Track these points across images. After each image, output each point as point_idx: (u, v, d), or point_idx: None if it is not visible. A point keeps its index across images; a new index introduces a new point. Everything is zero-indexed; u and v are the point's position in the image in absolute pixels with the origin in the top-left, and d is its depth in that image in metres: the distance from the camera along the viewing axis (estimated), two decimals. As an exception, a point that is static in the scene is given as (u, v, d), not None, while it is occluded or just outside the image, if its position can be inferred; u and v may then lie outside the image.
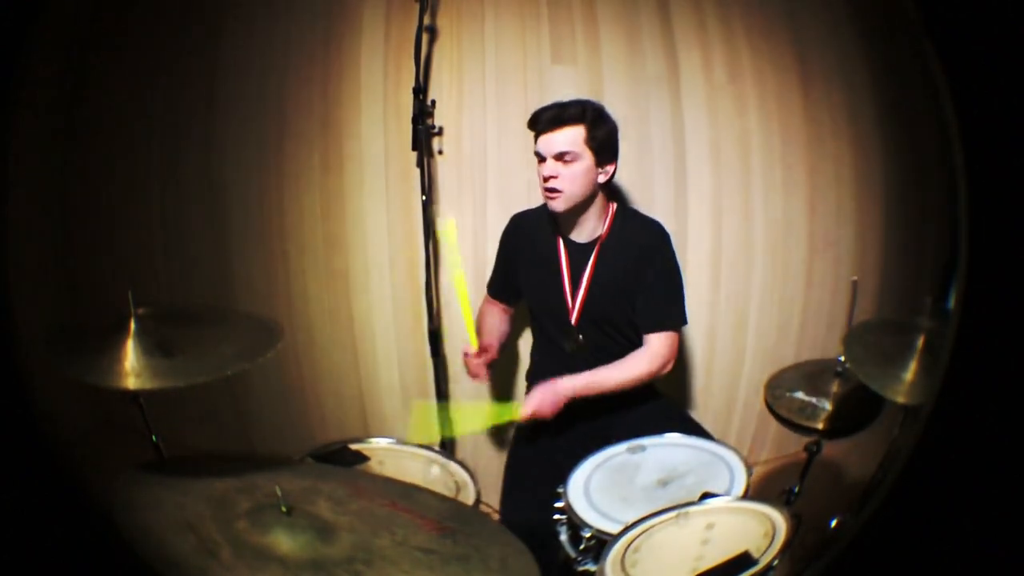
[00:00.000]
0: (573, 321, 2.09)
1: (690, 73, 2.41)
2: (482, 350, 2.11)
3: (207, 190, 2.47)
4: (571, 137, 1.95)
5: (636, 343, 2.07)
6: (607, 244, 2.07)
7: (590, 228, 2.07)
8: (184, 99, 2.43)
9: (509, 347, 2.39)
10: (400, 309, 2.47)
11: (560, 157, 1.95)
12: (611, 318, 2.09)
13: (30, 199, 2.40)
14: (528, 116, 2.02)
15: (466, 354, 2.13)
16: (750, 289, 2.54)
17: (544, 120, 1.98)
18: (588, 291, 2.07)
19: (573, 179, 1.96)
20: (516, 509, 2.03)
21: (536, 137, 2.00)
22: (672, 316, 2.06)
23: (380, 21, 2.36)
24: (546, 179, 1.98)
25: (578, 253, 2.09)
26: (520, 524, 1.74)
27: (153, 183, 2.49)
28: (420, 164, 2.29)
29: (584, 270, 2.07)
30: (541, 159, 2.00)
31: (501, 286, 2.27)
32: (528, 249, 2.17)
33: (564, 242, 2.10)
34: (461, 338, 2.27)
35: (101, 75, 2.44)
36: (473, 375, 2.14)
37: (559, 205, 1.99)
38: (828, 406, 1.71)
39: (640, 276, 2.04)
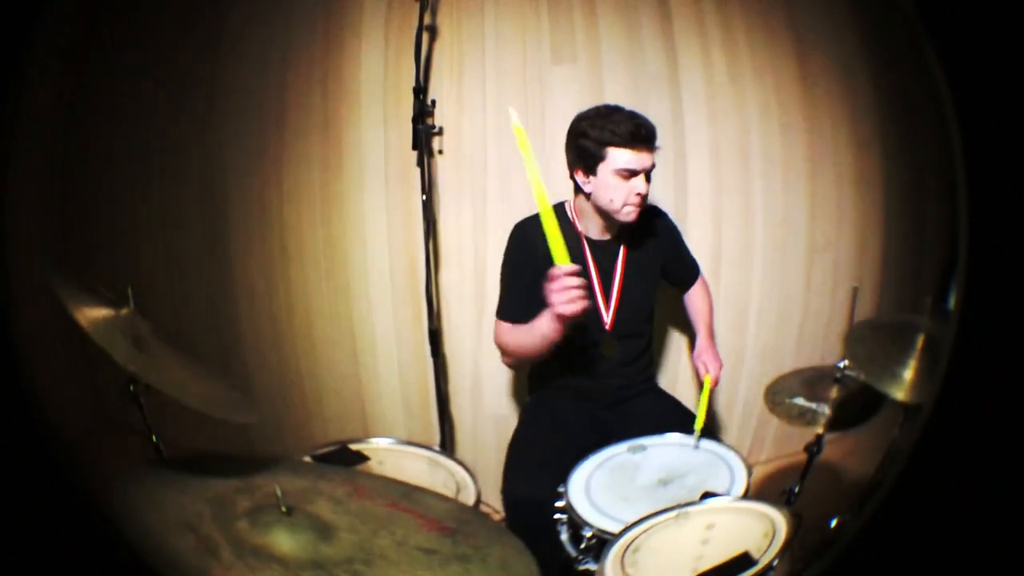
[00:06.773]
0: (608, 326, 2.02)
1: (690, 73, 2.41)
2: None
3: (207, 190, 2.47)
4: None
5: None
6: (633, 238, 2.03)
7: (607, 223, 1.99)
8: (184, 99, 2.43)
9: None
10: (400, 309, 2.47)
11: (648, 172, 1.89)
12: (640, 316, 2.07)
13: (30, 199, 2.40)
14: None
15: (557, 277, 1.65)
16: (750, 289, 2.55)
17: (653, 136, 1.87)
18: (622, 292, 2.01)
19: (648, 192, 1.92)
20: (518, 489, 1.87)
21: (634, 151, 1.85)
22: (695, 263, 2.28)
23: (380, 21, 2.36)
24: (643, 196, 1.89)
25: (601, 252, 2.02)
26: (522, 504, 1.72)
27: (153, 183, 2.49)
28: (420, 164, 2.29)
29: (613, 270, 2.02)
30: (632, 174, 1.86)
31: (523, 306, 1.90)
32: (548, 256, 1.90)
33: (588, 243, 2.01)
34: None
35: (101, 75, 2.45)
36: (581, 302, 1.65)
37: (637, 218, 1.93)
38: (827, 411, 1.72)
39: (661, 259, 2.10)
